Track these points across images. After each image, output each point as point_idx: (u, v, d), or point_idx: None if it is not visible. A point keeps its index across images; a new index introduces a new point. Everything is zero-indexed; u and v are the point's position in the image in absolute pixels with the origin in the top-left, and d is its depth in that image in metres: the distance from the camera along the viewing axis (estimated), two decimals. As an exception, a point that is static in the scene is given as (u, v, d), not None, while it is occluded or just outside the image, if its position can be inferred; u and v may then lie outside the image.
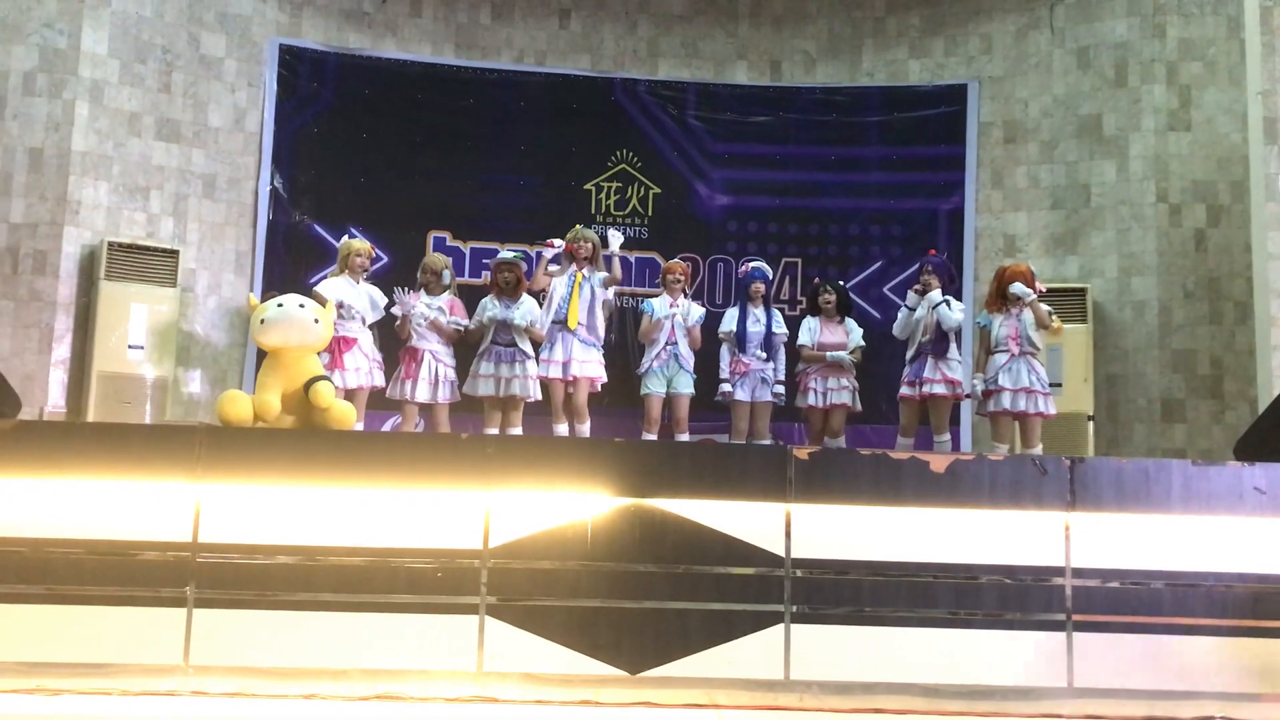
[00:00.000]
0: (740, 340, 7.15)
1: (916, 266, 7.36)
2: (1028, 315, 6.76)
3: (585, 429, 6.84)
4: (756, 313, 7.23)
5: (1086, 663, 4.23)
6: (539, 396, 6.95)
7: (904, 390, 6.94)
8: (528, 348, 6.92)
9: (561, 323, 6.87)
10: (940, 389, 6.84)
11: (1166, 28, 8.66)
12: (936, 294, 6.91)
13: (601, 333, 7.05)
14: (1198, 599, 4.27)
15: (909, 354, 6.99)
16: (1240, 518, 4.32)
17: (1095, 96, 8.86)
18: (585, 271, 7.00)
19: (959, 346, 7.08)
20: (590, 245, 7.04)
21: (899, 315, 7.15)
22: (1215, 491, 4.34)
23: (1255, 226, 7.52)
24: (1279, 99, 7.31)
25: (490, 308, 6.96)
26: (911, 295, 7.06)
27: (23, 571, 4.14)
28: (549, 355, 6.88)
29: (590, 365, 6.93)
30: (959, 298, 8.76)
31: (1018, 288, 6.68)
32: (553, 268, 7.08)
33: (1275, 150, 7.31)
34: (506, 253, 7.27)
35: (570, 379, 6.86)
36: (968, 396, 7.11)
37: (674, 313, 7.09)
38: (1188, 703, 4.17)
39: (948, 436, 6.95)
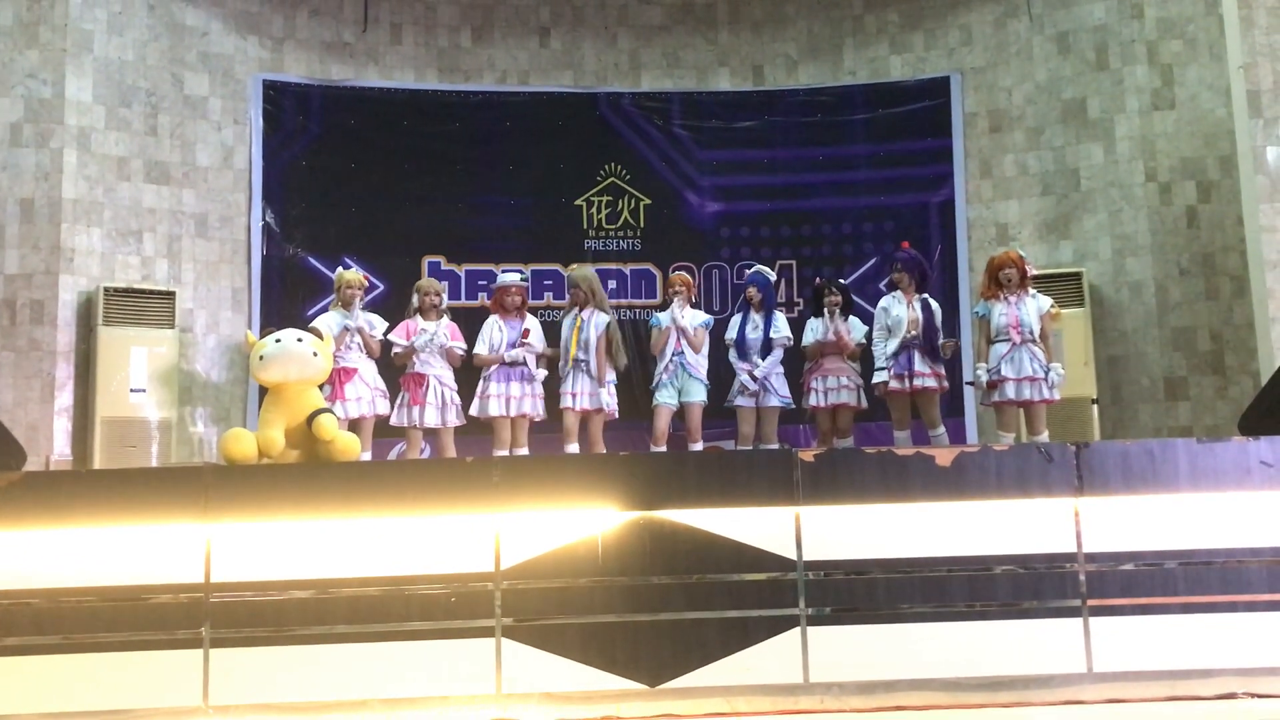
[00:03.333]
0: (740, 346, 7.17)
1: (889, 264, 7.36)
2: (1028, 303, 6.75)
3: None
4: (756, 318, 7.24)
5: (1105, 647, 4.23)
6: (545, 415, 7.02)
7: (893, 384, 6.89)
8: (534, 366, 6.97)
9: (573, 360, 6.96)
10: (930, 383, 6.83)
11: (1144, 7, 8.69)
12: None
13: (605, 370, 7.01)
14: (1212, 576, 4.27)
15: (891, 348, 6.92)
16: (1248, 492, 4.32)
17: (1078, 80, 8.89)
18: (585, 313, 7.03)
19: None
20: (580, 290, 7.09)
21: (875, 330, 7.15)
22: (1222, 468, 4.34)
23: (1246, 200, 7.54)
24: (1260, 72, 7.34)
25: (497, 330, 7.01)
26: (881, 303, 7.10)
27: (38, 622, 4.14)
28: (566, 389, 6.97)
29: (598, 397, 6.94)
30: (951, 292, 8.80)
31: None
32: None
33: (1261, 123, 7.33)
34: (511, 275, 7.22)
35: (581, 410, 6.92)
36: (970, 384, 7.10)
37: (678, 322, 7.11)
38: (1209, 681, 4.16)
39: (942, 430, 6.93)
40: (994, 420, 7.07)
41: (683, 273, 7.63)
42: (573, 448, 6.92)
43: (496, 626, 4.21)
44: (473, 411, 6.98)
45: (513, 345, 6.95)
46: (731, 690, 4.18)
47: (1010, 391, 6.67)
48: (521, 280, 7.22)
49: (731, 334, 7.26)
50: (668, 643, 4.22)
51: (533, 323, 7.11)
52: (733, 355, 7.22)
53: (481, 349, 7.04)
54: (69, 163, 8.16)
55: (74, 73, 8.24)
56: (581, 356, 6.93)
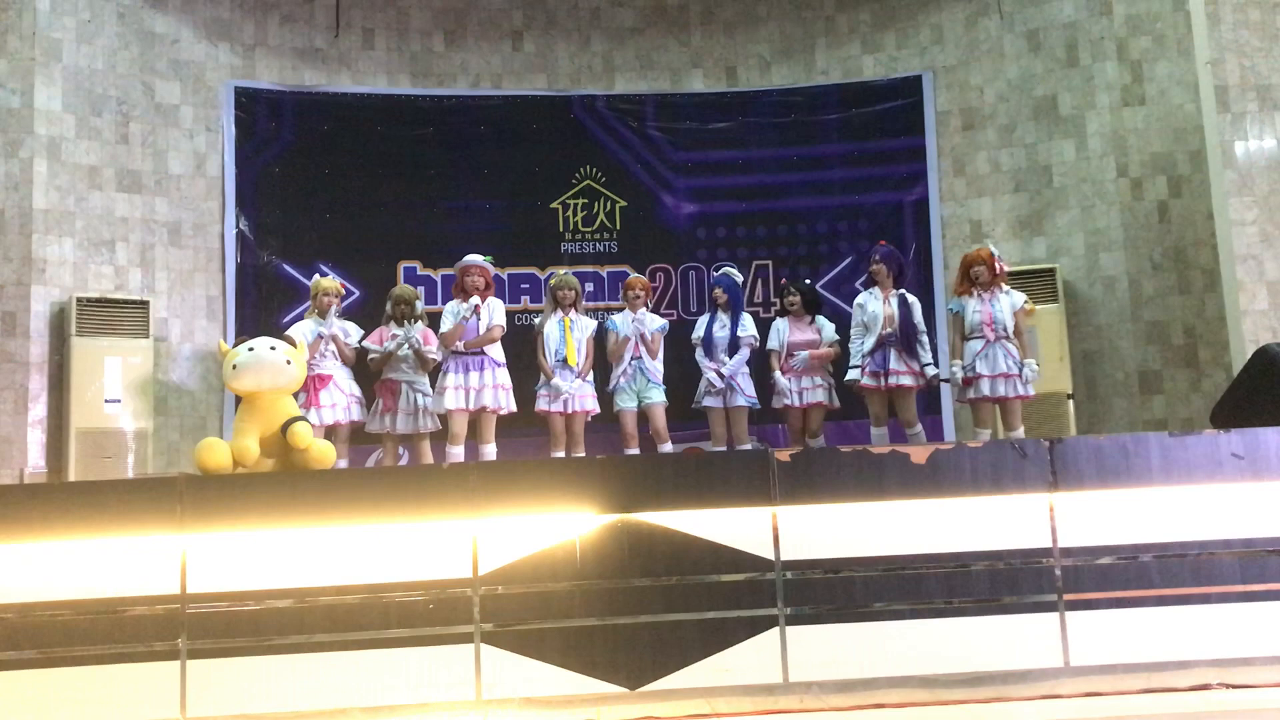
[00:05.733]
0: (707, 346, 7.18)
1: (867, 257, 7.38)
2: (1001, 300, 6.78)
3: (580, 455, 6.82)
4: (723, 318, 7.25)
5: (1081, 641, 4.26)
6: (514, 408, 6.81)
7: (867, 381, 6.88)
8: (498, 355, 6.75)
9: (562, 362, 6.89)
10: (906, 380, 6.83)
11: (1113, 4, 8.76)
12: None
13: (586, 369, 7.02)
14: (1185, 569, 4.30)
15: (868, 345, 6.91)
16: (1220, 484, 4.36)
17: (1049, 78, 8.94)
18: (572, 315, 7.02)
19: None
20: (573, 291, 7.08)
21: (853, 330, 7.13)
22: (1194, 461, 4.38)
23: (1216, 194, 7.61)
24: (1228, 67, 7.41)
25: (457, 312, 6.72)
26: (858, 299, 7.11)
27: (12, 637, 4.11)
28: (549, 390, 6.89)
29: (588, 399, 6.99)
30: (926, 290, 8.83)
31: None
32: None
33: (1229, 118, 7.40)
34: (474, 256, 6.94)
35: (569, 412, 6.89)
36: (945, 381, 7.13)
37: (636, 327, 7.12)
38: (1184, 673, 4.20)
39: (919, 428, 6.93)
40: (970, 417, 7.10)
41: (641, 276, 7.58)
42: (560, 454, 6.86)
43: (475, 632, 4.20)
44: (433, 408, 6.77)
45: (472, 329, 6.65)
46: (712, 691, 4.19)
47: (985, 388, 6.70)
48: (486, 260, 6.90)
49: (699, 333, 7.27)
50: (647, 645, 4.22)
51: (495, 304, 6.82)
52: (699, 354, 7.23)
53: (443, 330, 6.76)
54: (39, 172, 8.10)
55: (43, 81, 8.18)
56: (577, 358, 6.88)
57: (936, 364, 7.07)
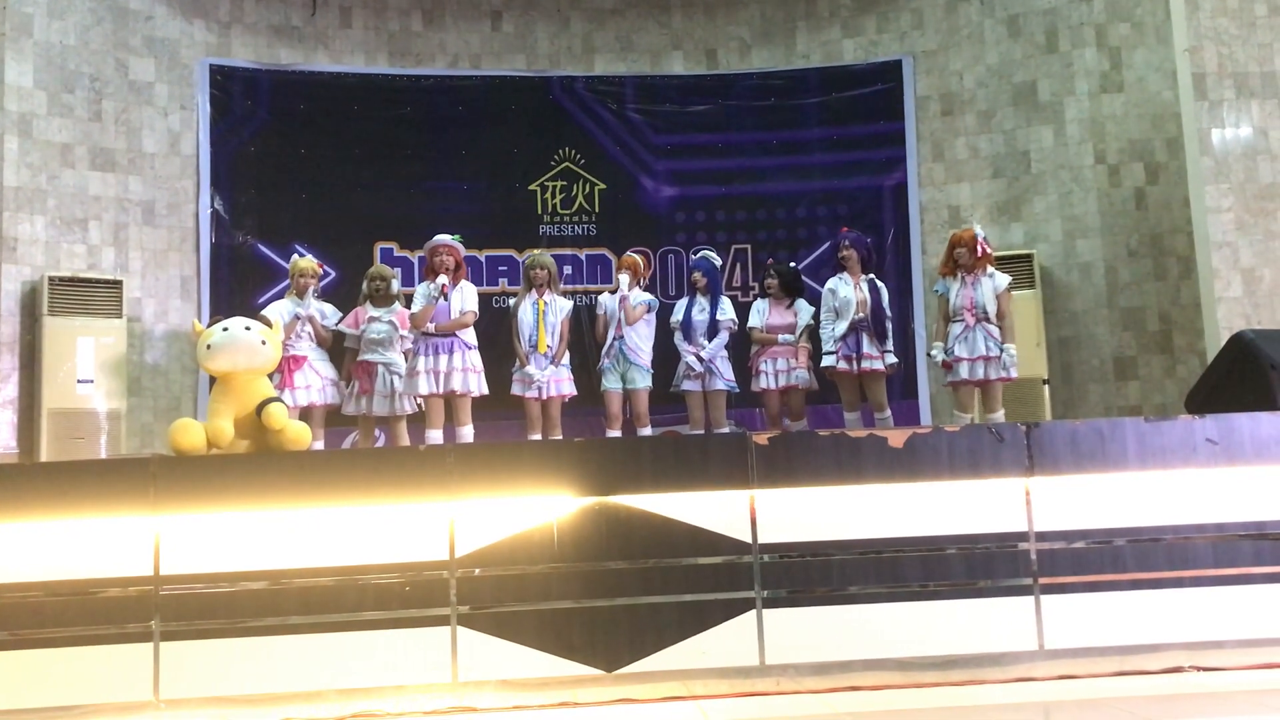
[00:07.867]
0: (685, 329, 7.17)
1: (835, 244, 7.40)
2: (984, 283, 6.79)
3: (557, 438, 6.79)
4: (702, 301, 7.24)
5: (1056, 624, 4.27)
6: (485, 391, 6.72)
7: (841, 365, 6.90)
8: (469, 338, 6.68)
9: (535, 348, 6.81)
10: (877, 365, 6.87)
11: (1093, -10, 8.78)
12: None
13: (558, 351, 6.94)
14: (1159, 553, 4.33)
15: (840, 330, 6.93)
16: (1195, 470, 4.38)
17: (1028, 64, 8.96)
18: (547, 297, 6.93)
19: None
20: (546, 271, 6.97)
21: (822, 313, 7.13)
22: (1169, 446, 4.40)
23: (1192, 181, 7.65)
24: (1206, 55, 7.44)
25: (427, 293, 6.62)
26: (828, 284, 7.12)
27: (-17, 619, 4.06)
28: (523, 376, 6.83)
29: (564, 383, 6.93)
30: (904, 275, 8.86)
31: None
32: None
33: (1206, 106, 7.44)
34: (442, 236, 6.84)
35: (545, 398, 6.84)
36: (929, 354, 7.16)
37: (620, 292, 7.05)
38: (1156, 655, 4.23)
39: (888, 413, 6.98)
40: (948, 402, 7.13)
41: (632, 255, 7.52)
42: (536, 436, 6.83)
43: (452, 615, 4.18)
44: (404, 390, 6.73)
45: (443, 310, 6.57)
46: (688, 674, 4.18)
47: (964, 371, 6.72)
48: (454, 239, 6.78)
49: (677, 317, 7.26)
50: (624, 628, 4.21)
51: (467, 289, 6.76)
52: (678, 338, 7.22)
53: (413, 310, 6.70)
54: (10, 149, 8.00)
55: (13, 57, 8.07)
56: (551, 343, 6.83)
57: (895, 353, 7.12)
